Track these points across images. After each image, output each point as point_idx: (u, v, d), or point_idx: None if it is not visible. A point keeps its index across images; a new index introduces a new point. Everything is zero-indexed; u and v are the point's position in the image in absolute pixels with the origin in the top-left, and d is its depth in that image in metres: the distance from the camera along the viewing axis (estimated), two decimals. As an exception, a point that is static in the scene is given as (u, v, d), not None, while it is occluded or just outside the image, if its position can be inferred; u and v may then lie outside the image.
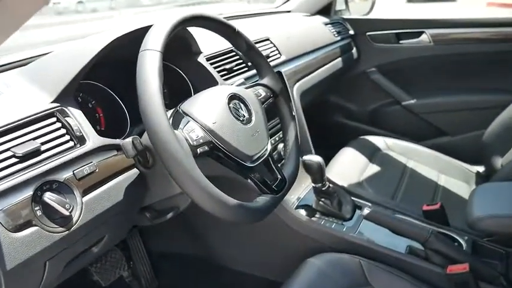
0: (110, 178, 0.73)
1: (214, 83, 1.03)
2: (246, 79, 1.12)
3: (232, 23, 0.87)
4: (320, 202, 1.19)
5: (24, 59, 0.88)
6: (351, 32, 2.02)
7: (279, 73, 1.30)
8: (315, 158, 1.13)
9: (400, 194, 1.36)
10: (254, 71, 1.20)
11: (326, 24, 1.88)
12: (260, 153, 0.80)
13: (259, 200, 0.76)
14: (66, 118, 0.71)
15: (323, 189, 1.16)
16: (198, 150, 0.69)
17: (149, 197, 0.83)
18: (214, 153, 0.72)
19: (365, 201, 1.27)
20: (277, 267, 1.18)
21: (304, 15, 1.94)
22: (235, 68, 1.14)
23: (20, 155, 0.62)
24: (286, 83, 1.31)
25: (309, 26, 1.80)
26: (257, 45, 0.93)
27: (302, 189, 1.27)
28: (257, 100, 0.86)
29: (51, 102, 0.71)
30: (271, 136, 0.88)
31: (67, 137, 0.69)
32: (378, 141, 1.64)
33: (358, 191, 1.31)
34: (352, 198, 1.24)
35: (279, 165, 0.86)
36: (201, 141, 0.70)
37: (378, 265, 1.00)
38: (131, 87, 0.96)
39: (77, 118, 0.72)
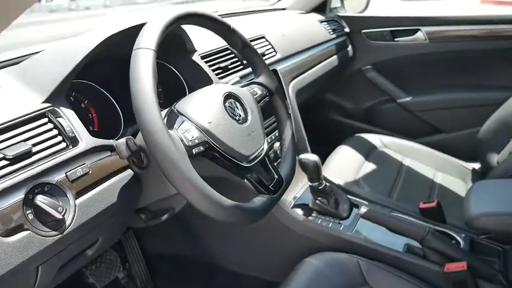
0: (103, 180, 0.71)
1: (209, 81, 1.02)
2: (241, 77, 1.11)
3: (227, 20, 0.85)
4: (317, 201, 1.18)
5: (15, 58, 0.86)
6: (346, 29, 2.01)
7: (275, 71, 1.29)
8: (311, 157, 1.12)
9: (396, 192, 1.36)
10: (249, 69, 1.19)
11: (321, 21, 1.87)
12: (256, 153, 0.79)
13: (256, 201, 0.75)
14: (58, 118, 0.69)
15: (320, 188, 1.16)
16: (193, 150, 0.68)
17: (144, 198, 0.82)
18: (210, 154, 0.71)
19: (361, 199, 1.26)
20: (275, 267, 1.17)
21: (300, 13, 1.93)
22: (230, 67, 1.13)
23: (11, 157, 0.61)
24: (282, 81, 1.30)
25: (304, 24, 1.79)
26: (252, 43, 0.92)
27: (298, 188, 1.26)
28: (253, 99, 0.85)
29: (43, 102, 0.70)
30: (267, 135, 0.87)
31: (59, 138, 0.68)
32: (374, 139, 1.64)
33: (354, 189, 1.31)
34: (349, 196, 1.24)
35: (275, 164, 0.85)
36: (197, 141, 0.69)
37: (376, 264, 1.00)
38: (125, 87, 0.94)
39: (69, 118, 0.71)
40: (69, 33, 1.00)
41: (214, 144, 0.71)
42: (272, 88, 0.92)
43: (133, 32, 0.73)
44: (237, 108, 0.79)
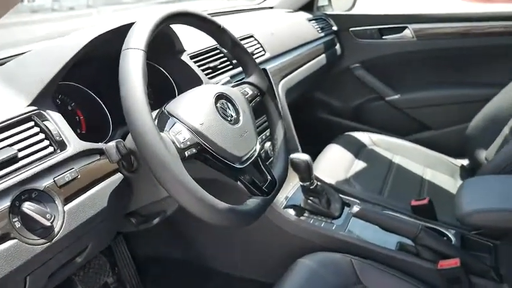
0: (92, 184, 0.69)
1: (198, 82, 1.01)
2: (231, 77, 1.10)
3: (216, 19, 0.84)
4: (308, 201, 1.17)
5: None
6: (334, 28, 2.01)
7: (264, 70, 1.28)
8: (302, 157, 1.12)
9: (387, 190, 1.36)
10: (239, 69, 1.17)
11: (309, 20, 1.87)
12: (249, 154, 0.78)
13: (250, 203, 0.74)
14: (45, 122, 0.67)
15: (311, 187, 1.15)
16: (185, 153, 0.66)
17: (134, 202, 0.80)
18: (203, 156, 0.70)
19: (353, 198, 1.26)
20: (268, 268, 1.17)
21: (287, 11, 1.92)
22: (219, 66, 1.12)
23: None
24: (271, 80, 1.29)
25: (293, 22, 1.78)
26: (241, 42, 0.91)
27: (290, 188, 1.25)
28: (244, 99, 0.84)
29: (28, 106, 0.67)
30: (257, 135, 0.86)
31: (46, 142, 0.66)
32: (363, 137, 1.64)
33: (345, 188, 1.31)
34: (340, 195, 1.24)
35: (267, 163, 0.84)
36: (189, 143, 0.67)
37: (369, 263, 1.00)
38: (112, 88, 0.92)
39: (56, 122, 0.69)
40: (55, 34, 0.98)
41: (206, 145, 0.70)
42: (263, 88, 0.91)
43: (122, 32, 0.71)
44: (229, 108, 0.78)
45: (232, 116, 0.77)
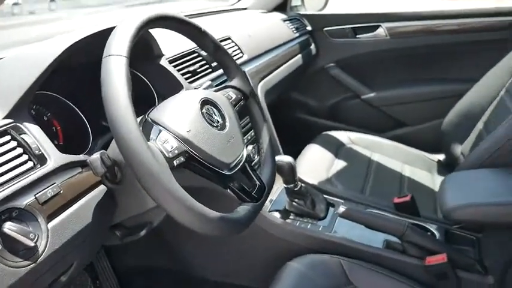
0: (76, 199, 0.66)
1: (179, 87, 0.98)
2: (211, 81, 1.08)
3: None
4: (293, 203, 1.16)
5: None
6: (309, 28, 2.01)
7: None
8: (285, 159, 1.11)
9: (368, 188, 1.37)
10: (218, 72, 1.16)
11: (284, 20, 1.86)
12: (237, 160, 0.76)
13: (240, 210, 0.72)
14: (22, 135, 0.63)
15: (295, 189, 1.14)
16: (174, 162, 0.64)
17: (119, 214, 0.77)
18: (191, 164, 0.67)
19: (336, 197, 1.26)
20: (257, 273, 1.15)
21: (262, 12, 1.91)
22: (199, 70, 1.09)
23: None
24: (250, 82, 1.28)
25: (268, 23, 1.77)
26: None
27: (274, 191, 1.24)
28: (229, 103, 0.82)
29: (3, 118, 0.63)
30: (244, 140, 0.84)
31: (25, 157, 0.62)
32: (342, 136, 1.65)
33: (328, 188, 1.31)
34: (324, 196, 1.23)
35: (253, 166, 0.82)
36: (176, 152, 0.65)
37: (358, 263, 1.00)
38: (90, 96, 0.88)
39: (34, 135, 0.65)
40: (22, 41, 0.93)
41: (194, 153, 0.68)
42: (247, 91, 0.89)
43: (100, 37, 0.68)
44: (215, 114, 0.76)
45: (218, 122, 0.75)
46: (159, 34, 0.93)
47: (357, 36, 1.97)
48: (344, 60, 2.03)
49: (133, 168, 0.58)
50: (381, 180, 1.42)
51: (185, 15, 0.79)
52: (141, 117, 0.71)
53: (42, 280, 0.62)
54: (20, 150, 0.62)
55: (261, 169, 0.86)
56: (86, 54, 0.75)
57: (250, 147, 1.18)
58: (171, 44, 1.04)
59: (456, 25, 1.85)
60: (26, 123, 0.65)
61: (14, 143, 0.62)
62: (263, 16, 1.87)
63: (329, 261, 1.00)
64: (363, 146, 1.61)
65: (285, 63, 1.66)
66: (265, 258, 1.12)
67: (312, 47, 1.99)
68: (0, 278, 0.53)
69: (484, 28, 1.82)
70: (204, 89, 0.92)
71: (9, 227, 0.54)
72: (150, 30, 0.92)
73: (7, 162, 0.59)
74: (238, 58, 1.33)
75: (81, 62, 0.80)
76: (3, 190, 0.57)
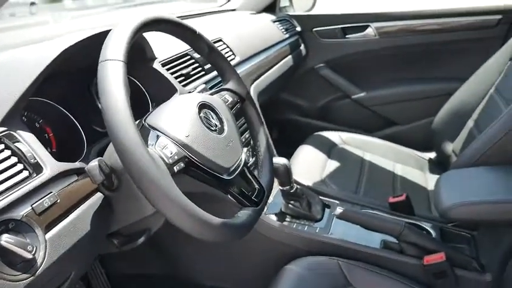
0: (73, 207, 0.64)
1: (173, 90, 0.97)
2: (205, 84, 1.06)
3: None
4: (289, 205, 1.16)
5: None
6: (298, 28, 2.01)
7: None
8: (281, 161, 1.10)
9: (362, 188, 1.37)
10: (211, 75, 1.14)
11: (273, 21, 1.86)
12: (236, 164, 0.75)
13: (241, 215, 0.71)
14: (16, 144, 0.61)
15: (291, 191, 1.14)
16: (174, 168, 0.63)
17: (116, 221, 0.75)
18: (191, 170, 0.66)
19: (331, 198, 1.26)
20: (255, 277, 1.14)
21: (251, 14, 1.90)
22: (192, 73, 1.08)
23: None
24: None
25: (258, 25, 1.76)
26: None
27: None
28: (226, 107, 0.81)
29: None
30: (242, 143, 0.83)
31: (20, 166, 0.60)
32: (333, 136, 1.65)
33: (323, 189, 1.31)
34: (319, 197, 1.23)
35: (251, 170, 0.81)
36: (176, 157, 0.64)
37: (357, 264, 1.00)
38: (83, 102, 0.87)
39: (28, 143, 0.63)
40: (12, 45, 0.90)
41: (194, 159, 0.66)
42: (243, 94, 0.88)
43: (95, 41, 0.66)
44: (212, 118, 0.74)
45: (216, 126, 0.74)
46: (150, 37, 0.91)
47: (346, 36, 1.98)
48: (334, 61, 2.03)
49: (134, 175, 0.56)
50: (374, 180, 1.42)
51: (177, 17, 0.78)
52: (137, 122, 0.70)
53: None
54: (14, 159, 0.60)
55: (259, 172, 0.85)
56: (78, 59, 0.73)
57: (244, 149, 1.17)
58: (162, 46, 1.03)
59: (445, 24, 1.87)
60: (19, 131, 0.63)
61: (8, 152, 0.60)
62: (252, 17, 1.86)
63: (327, 263, 1.00)
64: (355, 146, 1.62)
65: (275, 64, 1.66)
66: (262, 262, 1.11)
67: (302, 47, 1.99)
68: None
69: (472, 27, 1.84)
70: (199, 92, 0.91)
71: (6, 240, 0.53)
72: (143, 33, 0.90)
73: (2, 172, 0.57)
74: (230, 60, 1.31)
75: (72, 67, 0.78)
76: None
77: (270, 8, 2.00)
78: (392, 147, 1.67)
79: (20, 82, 0.65)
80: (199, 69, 1.12)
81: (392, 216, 1.15)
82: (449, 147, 1.45)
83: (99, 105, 0.87)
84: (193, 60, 1.12)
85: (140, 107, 0.94)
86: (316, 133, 1.67)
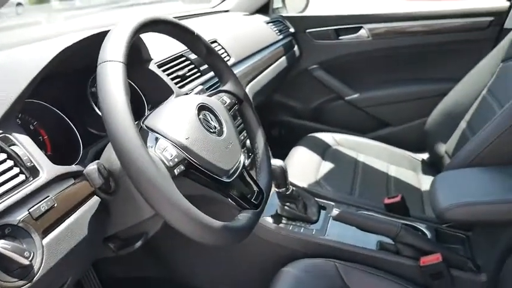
0: (71, 212, 0.63)
1: (169, 92, 0.96)
2: (201, 85, 1.06)
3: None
4: (285, 207, 1.15)
5: None
6: (291, 29, 2.01)
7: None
8: (277, 163, 1.10)
9: (357, 189, 1.38)
10: (207, 76, 1.14)
11: (267, 23, 1.85)
12: (235, 167, 0.74)
13: (242, 218, 0.71)
14: (12, 147, 0.60)
15: (287, 193, 1.13)
16: (175, 171, 0.62)
17: (113, 225, 0.74)
18: (191, 172, 0.65)
19: (326, 200, 1.26)
20: (252, 280, 1.13)
21: (244, 15, 1.90)
22: (188, 74, 1.07)
23: None
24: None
25: (252, 26, 1.76)
26: None
27: (265, 195, 1.23)
28: (224, 108, 0.80)
29: None
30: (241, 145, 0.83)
31: (16, 170, 0.58)
32: (327, 137, 1.65)
33: (318, 190, 1.31)
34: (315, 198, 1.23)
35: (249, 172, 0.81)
36: (176, 160, 0.63)
37: (353, 266, 1.00)
38: (78, 103, 0.85)
39: (24, 146, 0.61)
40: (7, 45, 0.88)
41: (193, 161, 0.66)
42: (240, 95, 0.88)
43: (92, 42, 0.65)
44: (212, 120, 0.74)
45: (215, 128, 0.73)
46: (145, 37, 0.90)
47: (340, 37, 1.98)
48: (327, 62, 2.03)
49: (134, 178, 0.56)
50: (368, 181, 1.43)
51: None
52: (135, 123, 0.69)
53: None
54: (10, 162, 0.58)
55: (258, 174, 0.85)
56: (75, 60, 0.72)
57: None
58: (158, 47, 1.02)
59: (437, 25, 1.88)
60: (15, 134, 0.61)
61: (3, 155, 0.58)
62: (246, 18, 1.85)
63: (324, 265, 0.99)
64: (348, 147, 1.62)
65: (270, 65, 1.65)
66: (259, 264, 1.11)
67: (295, 49, 1.99)
68: None
69: (464, 28, 1.86)
70: (196, 93, 0.90)
71: (2, 245, 0.51)
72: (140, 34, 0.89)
73: None
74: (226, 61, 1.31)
75: (68, 68, 0.76)
76: None
77: (263, 9, 1.99)
78: (385, 148, 1.67)
79: (16, 84, 0.64)
80: (195, 70, 1.11)
81: (388, 218, 1.16)
82: (442, 148, 1.46)
83: (95, 107, 0.86)
84: (189, 62, 1.11)
85: (135, 108, 0.93)
86: (309, 134, 1.68)
